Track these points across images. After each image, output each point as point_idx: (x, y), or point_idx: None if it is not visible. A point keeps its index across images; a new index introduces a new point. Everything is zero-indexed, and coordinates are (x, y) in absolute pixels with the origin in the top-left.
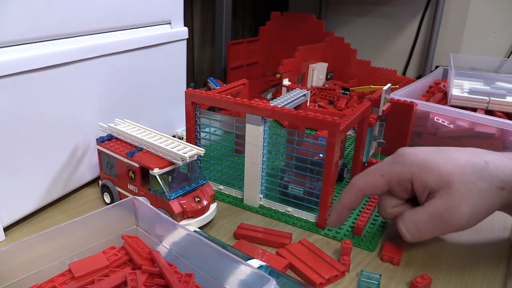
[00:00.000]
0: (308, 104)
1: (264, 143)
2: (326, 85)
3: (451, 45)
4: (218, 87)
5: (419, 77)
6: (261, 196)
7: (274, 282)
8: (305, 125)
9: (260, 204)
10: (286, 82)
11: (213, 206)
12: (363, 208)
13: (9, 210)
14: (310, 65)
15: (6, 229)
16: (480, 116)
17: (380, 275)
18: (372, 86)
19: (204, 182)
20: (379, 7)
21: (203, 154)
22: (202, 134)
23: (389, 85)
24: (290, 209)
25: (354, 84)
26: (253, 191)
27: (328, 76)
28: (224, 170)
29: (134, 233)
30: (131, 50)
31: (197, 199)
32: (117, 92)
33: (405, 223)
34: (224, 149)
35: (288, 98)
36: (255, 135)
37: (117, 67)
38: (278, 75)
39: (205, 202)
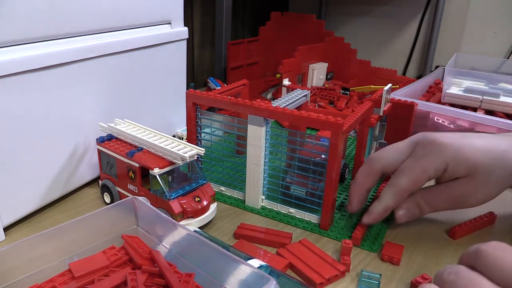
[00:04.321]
0: (308, 104)
1: (266, 144)
2: (326, 85)
3: (451, 45)
4: (218, 87)
5: (419, 77)
6: (263, 197)
7: (274, 282)
8: (308, 126)
9: (262, 206)
10: (286, 82)
11: (213, 206)
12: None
13: (9, 210)
14: (310, 65)
15: (6, 229)
16: (480, 116)
17: (380, 275)
18: (372, 86)
19: (204, 182)
20: (379, 7)
21: (203, 154)
22: (203, 135)
23: (389, 85)
24: (292, 210)
25: (354, 84)
26: (255, 192)
27: (328, 76)
28: (226, 171)
29: (134, 233)
30: (131, 50)
31: (197, 199)
32: (117, 92)
33: (423, 200)
34: (225, 150)
35: (289, 99)
36: (257, 136)
37: (117, 67)
38: (278, 75)
39: (205, 202)
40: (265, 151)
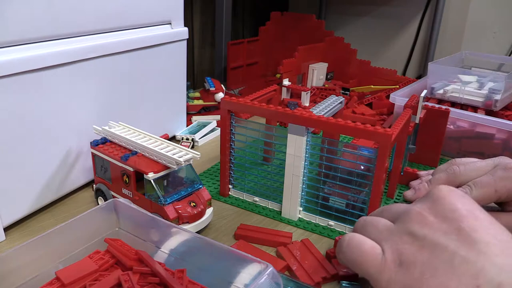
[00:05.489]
0: (308, 104)
1: (306, 154)
2: (326, 85)
3: (451, 45)
4: (213, 88)
5: (419, 77)
6: (300, 209)
7: (271, 268)
8: (355, 136)
9: (299, 217)
10: (286, 82)
11: (209, 211)
12: None
13: (9, 210)
14: (310, 65)
15: (6, 229)
16: (480, 116)
17: (361, 286)
18: (372, 86)
19: (200, 186)
20: (379, 7)
21: (198, 158)
22: (236, 143)
23: (425, 91)
24: (332, 222)
25: (354, 84)
26: (293, 204)
27: (328, 76)
28: (261, 181)
29: (116, 235)
30: (131, 50)
31: (192, 204)
32: (116, 93)
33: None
34: (256, 158)
35: (327, 106)
36: (298, 146)
37: (117, 68)
38: (278, 75)
39: (201, 207)
40: (305, 162)
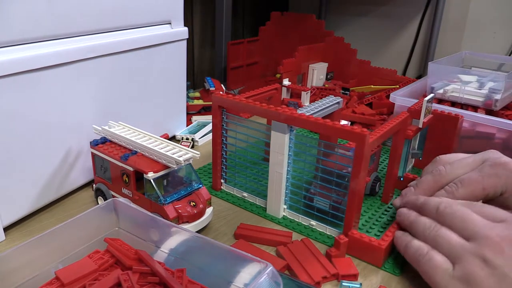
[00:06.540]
0: (308, 104)
1: (289, 152)
2: (326, 85)
3: (451, 45)
4: (213, 88)
5: (419, 77)
6: (285, 207)
7: (271, 267)
8: (333, 135)
9: (284, 215)
10: (286, 82)
11: (209, 210)
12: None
13: (9, 210)
14: (310, 65)
15: (6, 229)
16: (480, 116)
17: (361, 284)
18: (372, 86)
19: (200, 186)
20: (379, 7)
21: (198, 158)
22: (228, 139)
23: (432, 95)
24: (313, 222)
25: (354, 84)
26: (277, 201)
27: (328, 76)
28: (250, 178)
29: (115, 235)
30: (131, 50)
31: (192, 203)
32: (116, 93)
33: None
34: (250, 155)
35: (317, 106)
36: (280, 143)
37: (117, 68)
38: (278, 75)
39: (200, 206)
40: (288, 159)
